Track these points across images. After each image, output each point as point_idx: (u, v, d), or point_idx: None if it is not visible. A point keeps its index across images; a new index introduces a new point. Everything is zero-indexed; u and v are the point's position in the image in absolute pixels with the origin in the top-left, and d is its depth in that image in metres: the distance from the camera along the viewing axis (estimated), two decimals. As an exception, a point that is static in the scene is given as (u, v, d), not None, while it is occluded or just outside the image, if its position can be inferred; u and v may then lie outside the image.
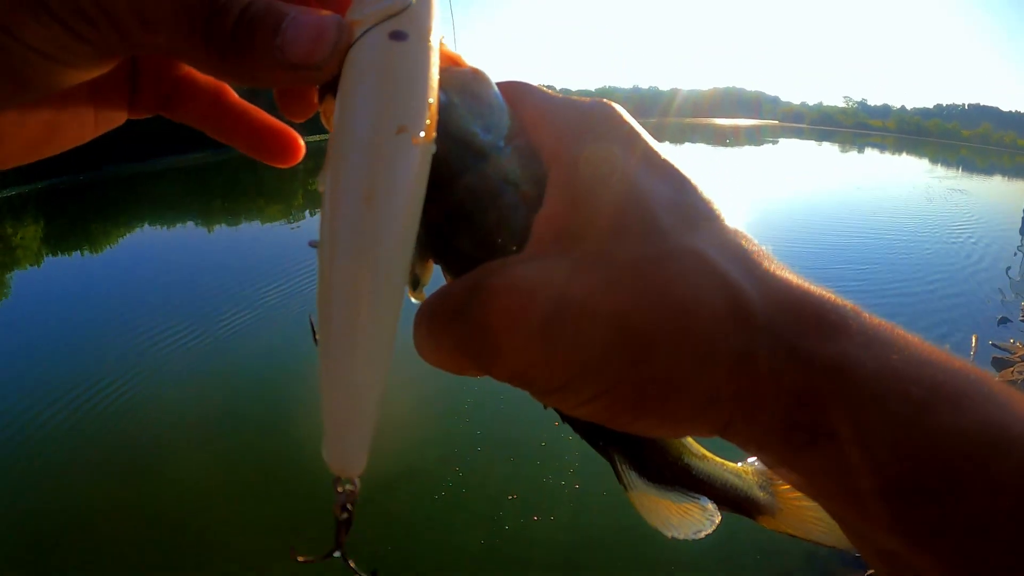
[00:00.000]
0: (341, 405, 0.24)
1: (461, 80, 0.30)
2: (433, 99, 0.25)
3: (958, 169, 30.01)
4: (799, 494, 0.35)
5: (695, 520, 0.35)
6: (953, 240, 10.92)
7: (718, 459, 0.36)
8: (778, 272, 0.28)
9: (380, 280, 0.23)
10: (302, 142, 0.36)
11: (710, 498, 0.36)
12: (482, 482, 3.88)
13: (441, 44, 0.28)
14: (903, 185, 20.50)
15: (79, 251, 11.12)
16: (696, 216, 0.28)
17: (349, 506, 0.27)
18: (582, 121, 0.30)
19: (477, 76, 0.30)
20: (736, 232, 0.29)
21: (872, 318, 0.27)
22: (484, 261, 0.28)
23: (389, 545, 3.42)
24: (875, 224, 11.94)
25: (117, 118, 0.34)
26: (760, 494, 0.36)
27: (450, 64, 0.30)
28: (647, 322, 0.25)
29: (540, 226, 0.28)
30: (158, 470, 4.06)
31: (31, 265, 10.65)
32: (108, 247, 11.50)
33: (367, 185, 0.23)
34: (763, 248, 0.29)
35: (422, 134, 0.24)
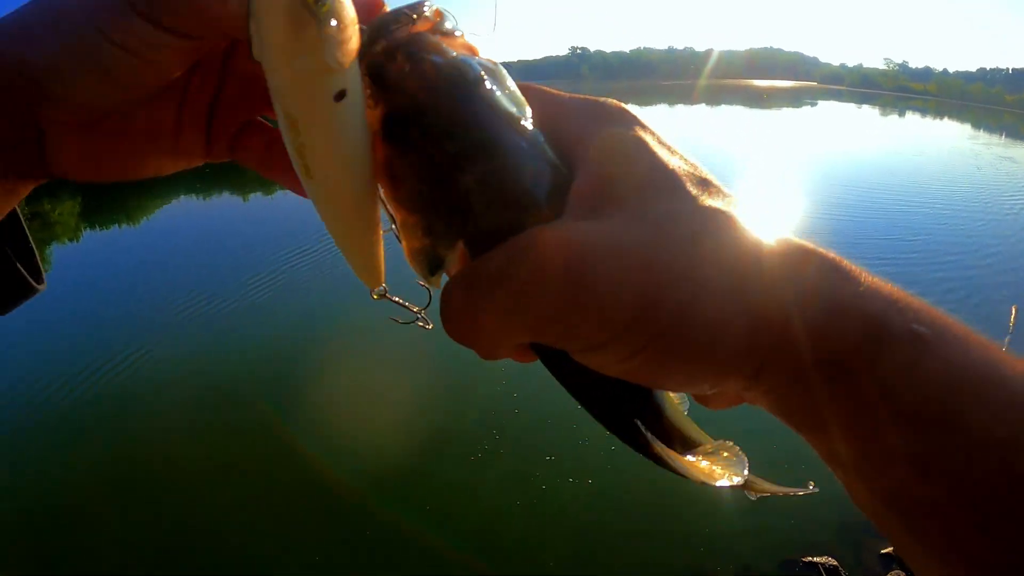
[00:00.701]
0: (353, 263, 0.34)
1: (488, 64, 0.31)
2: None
3: (1001, 135, 28.83)
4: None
5: (734, 462, 0.34)
6: (1007, 212, 10.45)
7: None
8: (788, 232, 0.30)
9: (341, 210, 0.31)
10: None
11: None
12: (519, 444, 3.90)
13: (461, 37, 0.31)
14: (949, 151, 19.83)
15: (116, 224, 11.27)
16: (714, 187, 0.30)
17: (384, 296, 0.36)
18: (599, 110, 0.32)
19: (497, 67, 0.31)
20: (738, 202, 0.30)
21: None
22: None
23: (428, 504, 3.44)
24: (925, 193, 11.53)
25: (195, 160, 0.38)
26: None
27: (471, 49, 0.32)
28: (688, 268, 0.27)
29: (575, 197, 0.29)
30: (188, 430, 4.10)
31: (70, 240, 10.84)
32: (145, 219, 11.64)
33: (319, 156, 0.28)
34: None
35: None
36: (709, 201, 0.29)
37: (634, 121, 0.32)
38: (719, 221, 0.28)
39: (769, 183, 11.78)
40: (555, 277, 0.26)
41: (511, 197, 0.29)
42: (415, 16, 0.29)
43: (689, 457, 0.34)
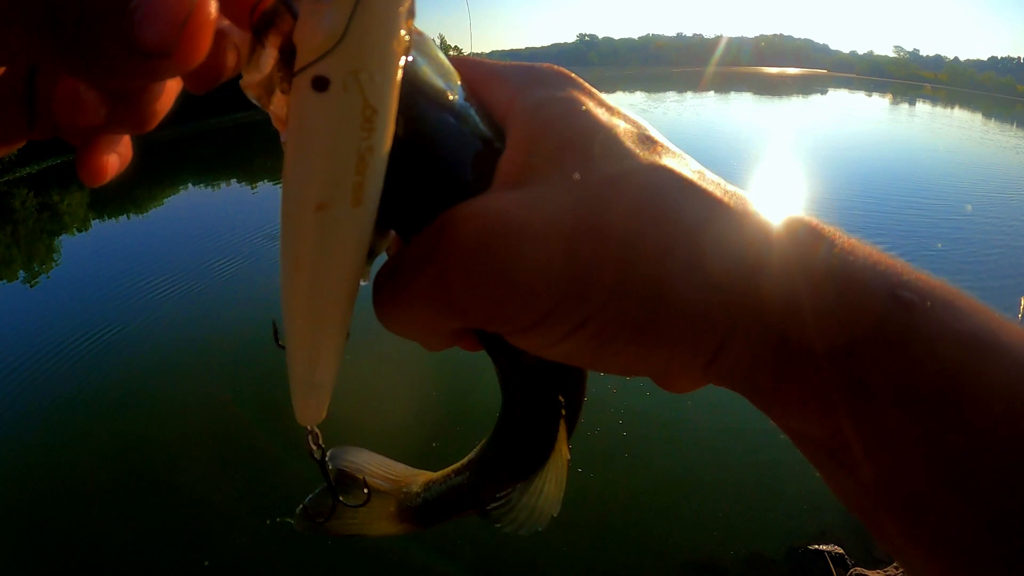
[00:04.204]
0: (299, 388, 0.30)
1: (417, 42, 0.27)
2: (355, 158, 0.23)
3: (1013, 125, 28.49)
4: None
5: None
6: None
7: None
8: (734, 196, 0.27)
9: (317, 318, 0.26)
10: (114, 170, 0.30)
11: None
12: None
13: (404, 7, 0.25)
14: (987, 144, 19.57)
15: (125, 215, 11.30)
16: (659, 144, 0.28)
17: (316, 446, 0.33)
18: (531, 75, 0.30)
19: (424, 37, 0.28)
20: (696, 163, 0.28)
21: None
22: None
23: None
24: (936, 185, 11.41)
25: (17, 138, 0.28)
26: None
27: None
28: (628, 233, 0.24)
29: (502, 169, 0.27)
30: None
31: (79, 230, 10.88)
32: (154, 208, 11.67)
33: (294, 255, 0.25)
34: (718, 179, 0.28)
35: (346, 202, 0.24)
36: (653, 158, 0.26)
37: (569, 83, 0.29)
38: (666, 181, 0.26)
39: (779, 172, 11.71)
40: (472, 255, 0.24)
41: (437, 177, 0.27)
42: None
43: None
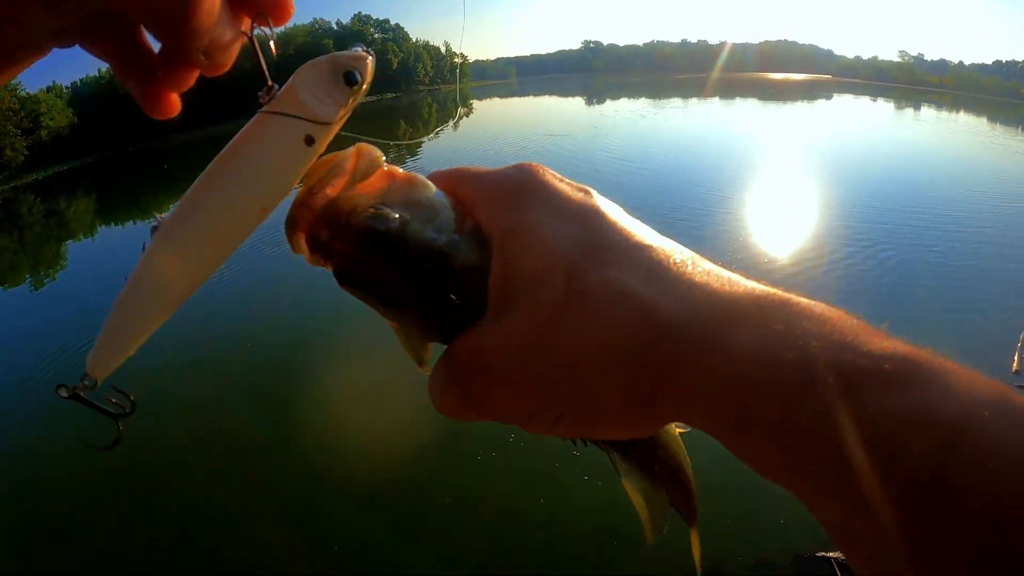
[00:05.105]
0: (105, 346, 0.36)
1: (403, 193, 0.37)
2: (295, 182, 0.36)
3: (1018, 128, 28.44)
4: None
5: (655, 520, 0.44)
6: None
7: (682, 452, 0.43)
8: (695, 278, 0.32)
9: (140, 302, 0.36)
10: (178, 104, 0.37)
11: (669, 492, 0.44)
12: (531, 443, 3.86)
13: (380, 167, 0.37)
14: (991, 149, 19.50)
15: (131, 221, 11.36)
16: (607, 250, 0.34)
17: (82, 393, 0.36)
18: (503, 195, 0.37)
19: (414, 182, 0.38)
20: (649, 251, 0.34)
21: (790, 303, 0.31)
22: (471, 325, 0.36)
23: (448, 497, 3.47)
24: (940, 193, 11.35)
25: (42, 44, 0.32)
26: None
27: (388, 178, 0.38)
28: (575, 352, 0.32)
29: (491, 298, 0.35)
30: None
31: (86, 237, 10.94)
32: (159, 217, 11.66)
33: (227, 236, 0.37)
34: (682, 257, 0.34)
35: (271, 209, 0.37)
36: (600, 274, 0.32)
37: (534, 197, 0.36)
38: (602, 296, 0.32)
39: (785, 178, 11.68)
40: (473, 384, 0.35)
41: (445, 309, 0.36)
42: (332, 179, 0.36)
43: (644, 487, 0.43)
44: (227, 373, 5.29)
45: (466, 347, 0.35)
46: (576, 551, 3.16)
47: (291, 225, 0.36)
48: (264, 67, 0.35)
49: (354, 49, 0.37)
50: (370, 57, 0.37)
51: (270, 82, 0.35)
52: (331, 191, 0.36)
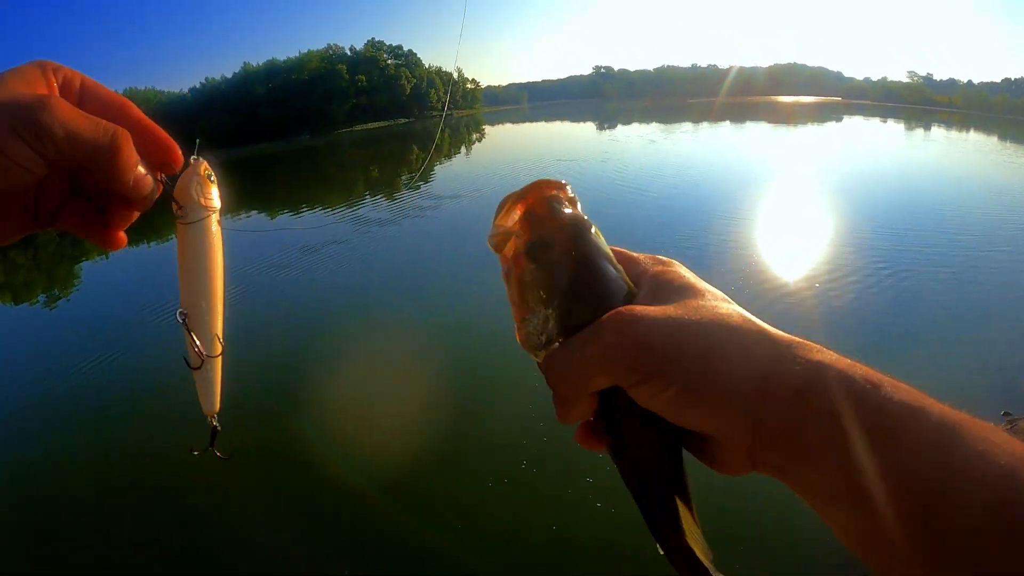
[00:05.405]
0: (203, 396, 0.52)
1: (589, 220, 0.49)
2: None
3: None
4: None
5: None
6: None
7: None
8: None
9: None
10: (124, 239, 0.54)
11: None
12: (544, 468, 3.88)
13: (575, 200, 0.50)
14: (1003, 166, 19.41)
15: (146, 243, 11.47)
16: (721, 295, 0.47)
17: (216, 425, 0.54)
18: (658, 259, 0.51)
19: (594, 230, 0.48)
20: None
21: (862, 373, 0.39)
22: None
23: (459, 523, 3.44)
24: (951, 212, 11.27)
25: (27, 230, 0.51)
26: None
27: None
28: (709, 335, 0.41)
29: (640, 300, 0.46)
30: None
31: (100, 257, 11.06)
32: (173, 238, 11.80)
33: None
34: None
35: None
36: (722, 303, 0.45)
37: (677, 265, 0.50)
38: (727, 312, 0.43)
39: (796, 202, 11.66)
40: (619, 329, 0.42)
41: (603, 302, 0.45)
42: (558, 187, 0.48)
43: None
44: (240, 380, 5.30)
45: (628, 310, 0.43)
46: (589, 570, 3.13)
47: (518, 199, 0.48)
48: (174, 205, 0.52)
49: (192, 159, 0.53)
50: (204, 162, 0.53)
51: (176, 206, 0.52)
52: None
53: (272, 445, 4.40)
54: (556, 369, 0.45)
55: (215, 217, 0.53)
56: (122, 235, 0.54)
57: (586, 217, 0.48)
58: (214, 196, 0.52)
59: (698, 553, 0.45)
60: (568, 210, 0.47)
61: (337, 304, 6.83)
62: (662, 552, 0.47)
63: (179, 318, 0.51)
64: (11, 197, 0.48)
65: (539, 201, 0.47)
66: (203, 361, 0.51)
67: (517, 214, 0.47)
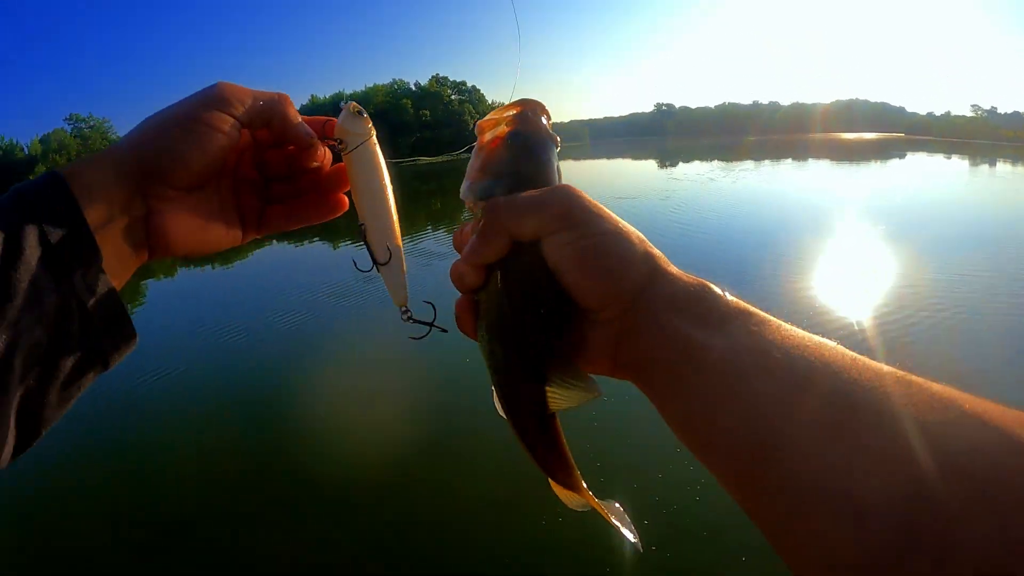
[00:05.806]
0: (392, 292, 0.63)
1: (556, 138, 0.61)
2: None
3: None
4: None
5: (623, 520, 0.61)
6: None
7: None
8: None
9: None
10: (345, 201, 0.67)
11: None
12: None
13: (549, 123, 0.61)
14: None
15: (211, 265, 11.86)
16: (628, 227, 0.52)
17: (411, 315, 0.64)
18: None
19: (557, 139, 0.61)
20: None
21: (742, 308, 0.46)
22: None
23: (451, 520, 3.37)
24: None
25: (236, 238, 0.63)
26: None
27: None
28: (628, 227, 0.50)
29: None
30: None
31: (166, 276, 11.46)
32: (239, 261, 12.26)
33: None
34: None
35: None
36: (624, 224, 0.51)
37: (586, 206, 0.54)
38: (624, 225, 0.50)
39: (860, 241, 11.33)
40: (568, 193, 0.51)
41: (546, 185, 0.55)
42: (539, 107, 0.59)
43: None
44: (228, 385, 5.57)
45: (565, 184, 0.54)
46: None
47: (519, 104, 0.59)
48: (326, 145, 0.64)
49: (342, 104, 0.63)
50: (353, 102, 0.62)
51: (337, 143, 0.62)
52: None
53: (272, 445, 4.50)
54: (500, 205, 0.51)
55: (374, 139, 0.61)
56: (343, 196, 0.66)
57: (558, 138, 0.59)
58: (366, 125, 0.61)
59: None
60: (546, 124, 0.58)
61: (383, 336, 6.86)
62: (502, 410, 0.58)
63: (360, 230, 0.62)
64: (219, 199, 0.60)
65: (533, 110, 0.58)
66: (391, 255, 0.62)
67: (512, 112, 0.58)
